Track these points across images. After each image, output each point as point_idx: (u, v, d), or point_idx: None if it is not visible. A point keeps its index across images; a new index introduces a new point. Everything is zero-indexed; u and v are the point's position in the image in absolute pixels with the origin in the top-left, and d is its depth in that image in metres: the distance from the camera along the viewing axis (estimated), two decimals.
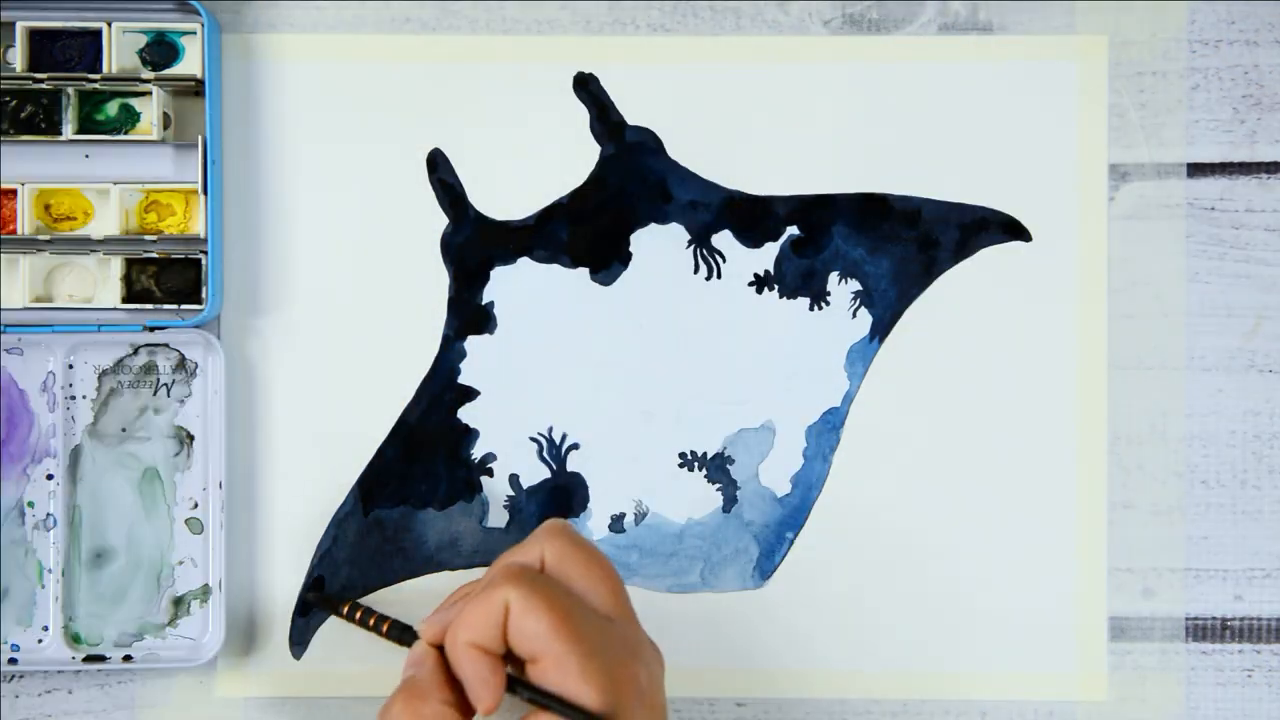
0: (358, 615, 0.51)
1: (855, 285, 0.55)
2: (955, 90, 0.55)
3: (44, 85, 0.53)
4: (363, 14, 0.55)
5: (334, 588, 0.55)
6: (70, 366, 0.54)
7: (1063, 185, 0.55)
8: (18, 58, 0.53)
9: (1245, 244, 0.55)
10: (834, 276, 0.55)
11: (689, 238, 0.55)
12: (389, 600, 0.55)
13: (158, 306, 0.54)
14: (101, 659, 0.54)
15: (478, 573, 0.55)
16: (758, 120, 0.55)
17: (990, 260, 0.55)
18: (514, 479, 0.55)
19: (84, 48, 0.54)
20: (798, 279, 0.55)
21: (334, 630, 0.55)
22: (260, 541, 0.55)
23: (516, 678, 0.44)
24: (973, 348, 0.55)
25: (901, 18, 0.55)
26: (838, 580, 0.55)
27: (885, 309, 0.55)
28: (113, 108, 0.54)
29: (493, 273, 0.55)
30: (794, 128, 0.55)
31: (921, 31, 0.55)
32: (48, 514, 0.54)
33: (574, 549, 0.46)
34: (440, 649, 0.46)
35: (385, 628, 0.50)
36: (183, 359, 0.54)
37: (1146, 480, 0.55)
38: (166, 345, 0.54)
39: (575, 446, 0.55)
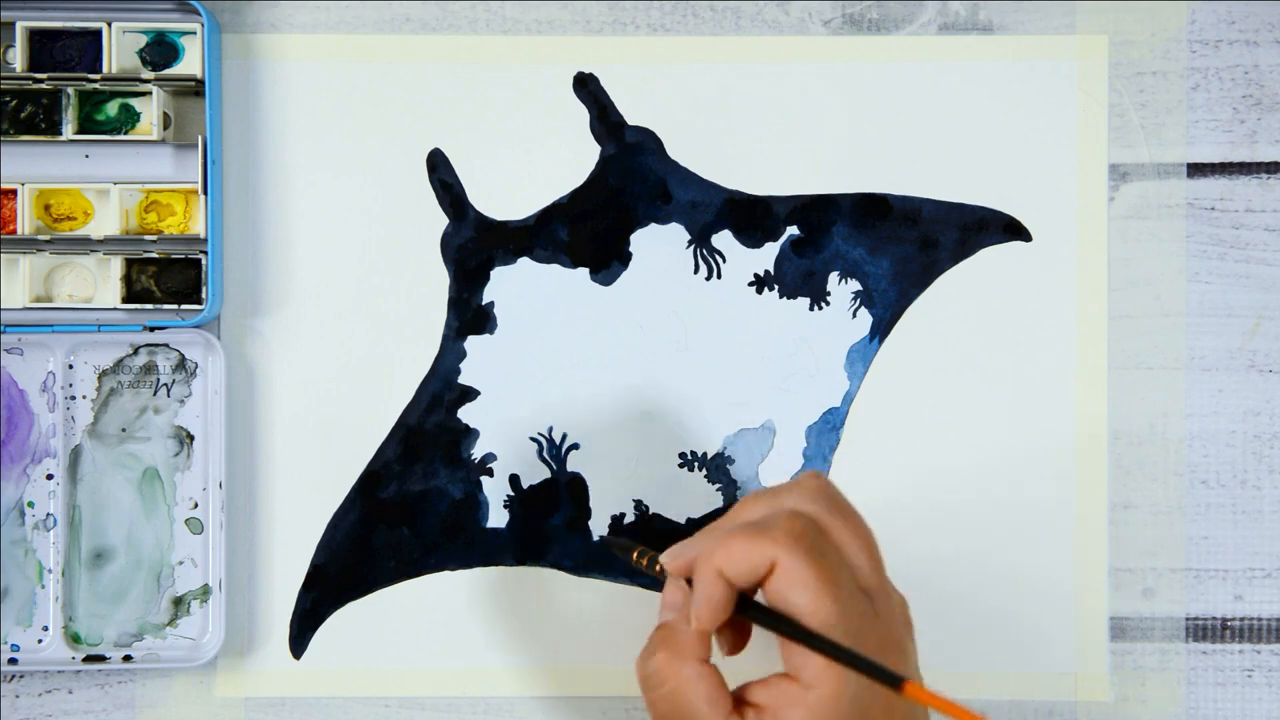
0: (634, 555, 0.49)
1: (855, 285, 0.55)
2: (955, 90, 0.55)
3: (44, 85, 0.53)
4: (363, 14, 0.55)
5: (333, 588, 0.55)
6: (70, 366, 0.54)
7: (1063, 185, 0.55)
8: (18, 58, 0.53)
9: (1245, 244, 0.55)
10: (834, 276, 0.55)
11: (689, 238, 0.55)
12: (388, 601, 0.55)
13: (158, 306, 0.54)
14: (101, 659, 0.54)
15: (477, 573, 0.55)
16: (758, 120, 0.55)
17: (990, 260, 0.55)
18: (514, 479, 0.55)
19: (84, 48, 0.54)
20: (798, 279, 0.55)
21: (334, 630, 0.55)
22: (260, 541, 0.55)
23: (754, 603, 0.43)
24: (973, 348, 0.55)
25: (901, 18, 0.55)
26: None
27: (885, 309, 0.55)
28: (113, 108, 0.54)
29: (493, 273, 0.55)
30: (794, 128, 0.55)
31: (921, 31, 0.55)
32: (48, 514, 0.54)
33: (840, 514, 0.45)
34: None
35: (645, 561, 0.48)
36: (183, 359, 0.54)
37: (1146, 480, 0.55)
38: (166, 345, 0.54)
39: (575, 446, 0.55)
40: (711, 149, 0.55)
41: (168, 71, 0.54)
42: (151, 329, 0.54)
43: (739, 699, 0.44)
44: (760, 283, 0.55)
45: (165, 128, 0.54)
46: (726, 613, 0.44)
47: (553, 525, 0.55)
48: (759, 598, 0.44)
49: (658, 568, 0.47)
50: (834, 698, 0.42)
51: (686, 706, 0.44)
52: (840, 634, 0.42)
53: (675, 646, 0.44)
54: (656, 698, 0.44)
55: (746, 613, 0.44)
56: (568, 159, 0.55)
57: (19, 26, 0.53)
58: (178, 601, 0.54)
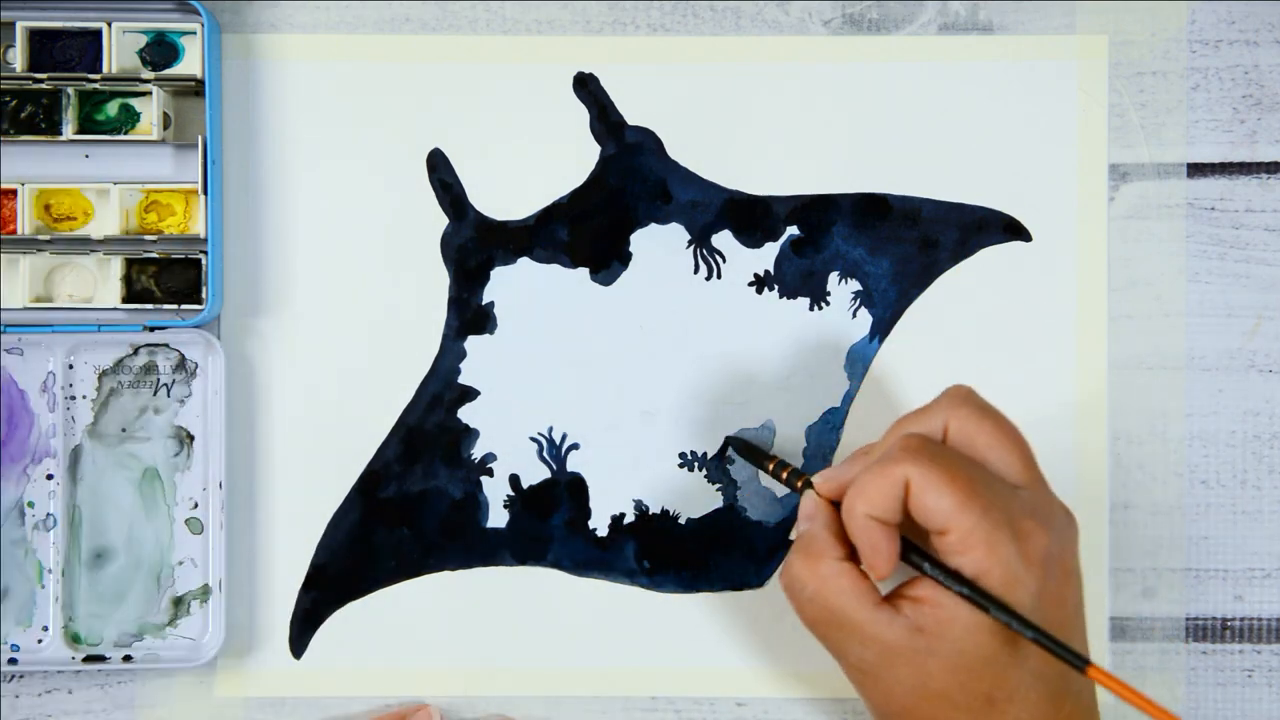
0: (770, 466, 0.51)
1: (855, 285, 0.55)
2: (955, 90, 0.55)
3: (44, 85, 0.53)
4: (363, 14, 0.55)
5: (333, 588, 0.55)
6: (70, 366, 0.54)
7: (1063, 185, 0.55)
8: (18, 58, 0.53)
9: (1245, 244, 0.55)
10: (834, 276, 0.55)
11: (689, 238, 0.55)
12: (388, 601, 0.55)
13: (158, 306, 0.54)
14: (101, 659, 0.54)
15: (477, 573, 0.55)
16: (758, 120, 0.55)
17: (990, 260, 0.55)
18: (514, 479, 0.55)
19: (84, 48, 0.54)
20: (798, 279, 0.55)
21: (334, 630, 0.55)
22: (260, 541, 0.55)
23: (915, 547, 0.45)
24: (973, 348, 0.55)
25: (901, 18, 0.55)
26: None
27: (885, 309, 0.55)
28: (113, 108, 0.54)
29: (493, 273, 0.55)
30: (794, 128, 0.55)
31: (921, 31, 0.55)
32: (48, 514, 0.54)
33: (980, 417, 0.46)
34: (834, 505, 0.47)
35: (785, 474, 0.51)
36: (183, 359, 0.54)
37: (1146, 480, 0.55)
38: (166, 345, 0.54)
39: (575, 446, 0.55)
40: (711, 149, 0.55)
41: (168, 71, 0.54)
42: (151, 329, 0.54)
43: (896, 595, 0.45)
44: (760, 283, 0.55)
45: (165, 128, 0.54)
46: (894, 553, 0.45)
47: (553, 525, 0.55)
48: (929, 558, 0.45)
49: (799, 483, 0.49)
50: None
51: (832, 603, 0.45)
52: (991, 516, 0.43)
53: (811, 550, 0.46)
54: (802, 603, 0.46)
55: (910, 559, 0.45)
56: (568, 159, 0.55)
57: (19, 26, 0.53)
58: (178, 601, 0.54)
